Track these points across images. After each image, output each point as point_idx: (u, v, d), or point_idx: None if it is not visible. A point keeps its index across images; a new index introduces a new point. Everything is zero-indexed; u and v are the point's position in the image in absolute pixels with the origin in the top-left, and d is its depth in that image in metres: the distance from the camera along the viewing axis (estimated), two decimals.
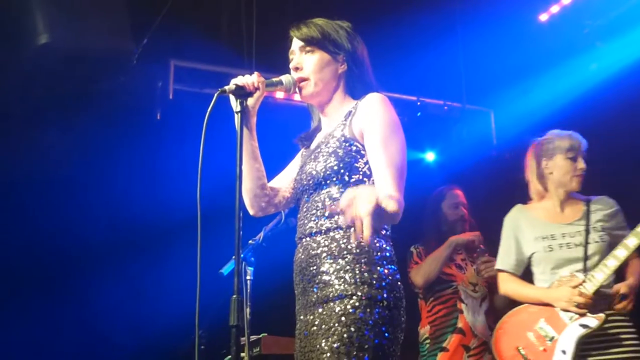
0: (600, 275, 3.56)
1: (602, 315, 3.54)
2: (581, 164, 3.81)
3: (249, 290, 3.36)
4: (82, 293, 4.99)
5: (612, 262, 3.55)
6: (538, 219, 3.86)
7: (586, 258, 3.66)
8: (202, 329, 4.09)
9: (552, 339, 3.61)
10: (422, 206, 4.70)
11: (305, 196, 2.55)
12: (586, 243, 3.68)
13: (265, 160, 2.65)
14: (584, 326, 3.56)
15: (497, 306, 4.50)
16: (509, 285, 3.88)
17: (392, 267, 2.42)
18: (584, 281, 3.60)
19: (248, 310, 3.34)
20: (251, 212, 2.69)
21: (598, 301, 3.58)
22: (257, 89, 2.49)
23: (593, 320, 3.55)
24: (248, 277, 3.39)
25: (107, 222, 5.10)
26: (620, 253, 3.54)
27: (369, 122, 2.44)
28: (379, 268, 2.37)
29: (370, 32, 2.81)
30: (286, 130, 3.14)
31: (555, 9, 5.41)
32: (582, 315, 3.57)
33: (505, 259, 3.92)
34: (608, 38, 5.27)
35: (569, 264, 3.70)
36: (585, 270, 3.64)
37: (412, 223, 4.54)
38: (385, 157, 2.36)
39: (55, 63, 4.32)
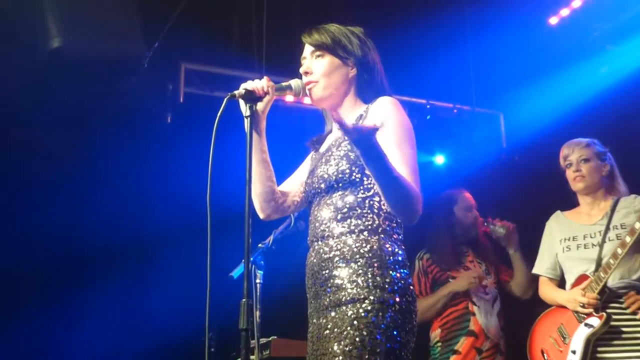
0: (604, 274, 3.59)
1: (603, 314, 3.57)
2: (573, 169, 3.88)
3: (258, 294, 3.37)
4: (92, 295, 5.00)
5: (613, 260, 3.57)
6: (568, 222, 3.95)
7: (600, 258, 3.67)
8: (212, 332, 4.11)
9: (567, 340, 3.69)
10: (432, 208, 4.67)
11: (317, 199, 2.56)
12: (602, 242, 3.69)
13: (275, 164, 2.65)
14: (589, 326, 3.61)
15: (515, 291, 4.55)
16: (541, 289, 4.04)
17: (404, 271, 2.43)
18: (591, 281, 3.63)
19: (258, 313, 3.35)
20: (261, 216, 2.70)
21: (611, 299, 3.62)
22: (266, 93, 2.50)
23: (596, 320, 3.59)
24: (258, 281, 3.41)
25: (117, 225, 5.11)
26: (619, 251, 3.56)
27: (382, 124, 2.42)
28: (391, 272, 2.38)
29: (380, 35, 2.81)
30: (296, 134, 3.15)
31: (565, 12, 5.39)
32: (588, 315, 3.63)
33: (539, 263, 4.07)
34: (618, 41, 5.25)
35: (585, 264, 3.74)
36: (597, 270, 3.66)
37: (421, 225, 4.53)
38: (399, 157, 2.37)
39: (67, 66, 4.34)
